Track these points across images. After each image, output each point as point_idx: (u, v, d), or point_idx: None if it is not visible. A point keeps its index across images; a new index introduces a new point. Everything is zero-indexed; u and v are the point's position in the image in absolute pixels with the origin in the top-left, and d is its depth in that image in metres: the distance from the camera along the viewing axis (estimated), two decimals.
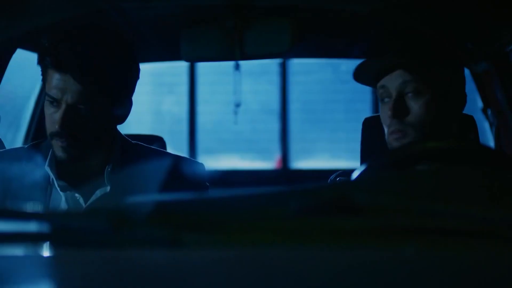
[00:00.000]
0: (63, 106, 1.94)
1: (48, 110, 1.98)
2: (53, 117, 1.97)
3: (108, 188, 2.02)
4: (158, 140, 3.10)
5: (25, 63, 2.86)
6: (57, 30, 2.05)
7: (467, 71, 3.07)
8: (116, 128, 2.12)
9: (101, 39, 1.99)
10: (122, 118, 2.08)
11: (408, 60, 2.05)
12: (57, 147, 1.98)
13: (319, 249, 1.15)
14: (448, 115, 2.03)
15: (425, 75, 2.01)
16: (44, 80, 2.00)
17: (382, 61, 2.07)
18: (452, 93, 2.03)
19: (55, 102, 1.96)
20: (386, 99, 2.06)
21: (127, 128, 2.17)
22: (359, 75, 2.12)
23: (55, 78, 1.95)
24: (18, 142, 3.31)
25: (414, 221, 1.16)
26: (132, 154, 2.10)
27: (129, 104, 2.08)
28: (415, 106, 2.01)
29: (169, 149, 3.06)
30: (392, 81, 2.05)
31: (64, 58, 1.94)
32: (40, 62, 1.99)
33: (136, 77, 2.08)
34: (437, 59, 2.05)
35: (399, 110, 2.02)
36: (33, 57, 2.83)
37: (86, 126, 1.97)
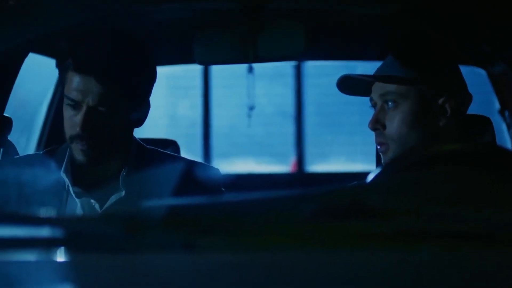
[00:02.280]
0: (84, 108, 1.95)
1: (68, 113, 1.99)
2: (73, 120, 1.98)
3: (123, 192, 2.03)
4: (172, 144, 3.10)
5: (37, 67, 2.88)
6: (71, 34, 2.07)
7: (483, 72, 3.07)
8: (132, 133, 2.13)
9: (120, 42, 2.02)
10: (141, 121, 2.09)
11: (382, 74, 2.05)
12: (77, 151, 1.99)
13: (334, 252, 1.16)
14: (439, 120, 2.01)
15: (406, 85, 2.00)
16: (63, 82, 2.01)
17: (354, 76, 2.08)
18: (441, 98, 2.00)
19: (76, 104, 1.96)
20: (374, 110, 2.06)
21: (141, 131, 2.18)
22: (342, 88, 2.14)
23: (76, 80, 1.96)
24: (31, 147, 3.33)
25: (429, 224, 1.17)
26: (147, 159, 2.11)
27: (147, 106, 2.09)
28: (395, 117, 2.01)
29: (183, 153, 3.07)
30: (376, 92, 2.06)
31: (85, 59, 1.96)
32: (59, 64, 2.01)
33: (154, 78, 2.09)
34: (422, 67, 2.03)
35: (379, 122, 2.02)
36: (45, 61, 2.85)
37: (106, 128, 1.98)
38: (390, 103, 2.01)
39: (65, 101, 1.99)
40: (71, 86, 1.97)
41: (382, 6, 2.36)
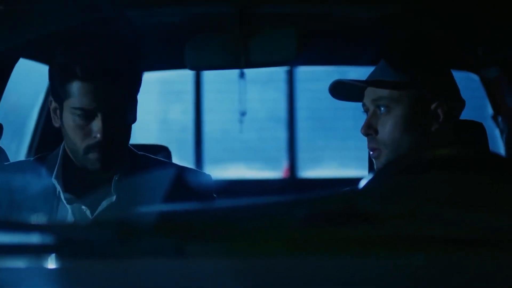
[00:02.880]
0: (100, 115, 1.94)
1: (77, 123, 1.97)
2: (86, 129, 1.96)
3: (114, 198, 2.03)
4: (163, 150, 3.10)
5: (28, 73, 2.87)
6: (63, 40, 2.07)
7: (476, 77, 3.08)
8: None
9: (115, 44, 2.02)
10: (134, 118, 2.10)
11: (375, 79, 2.05)
12: (92, 161, 1.98)
13: (327, 258, 1.16)
14: (432, 125, 2.01)
15: (398, 90, 2.00)
16: (63, 93, 1.98)
17: (349, 80, 2.08)
18: (434, 103, 2.01)
19: (88, 113, 1.95)
20: (367, 115, 2.07)
21: (132, 137, 2.18)
22: (334, 94, 2.14)
23: (85, 88, 1.94)
24: (22, 153, 3.33)
25: (424, 229, 1.17)
26: (140, 165, 2.11)
27: (137, 102, 2.11)
28: (387, 123, 2.01)
29: (175, 159, 3.07)
30: (368, 97, 2.06)
31: (93, 67, 1.93)
32: (59, 75, 1.98)
33: (142, 75, 2.11)
34: (414, 72, 2.03)
35: (371, 128, 2.02)
36: (36, 66, 2.85)
37: (121, 133, 2.00)
38: (382, 108, 2.01)
39: (72, 111, 1.96)
40: (79, 95, 1.94)
41: (374, 11, 2.37)
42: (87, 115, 1.95)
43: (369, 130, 2.03)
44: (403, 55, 2.09)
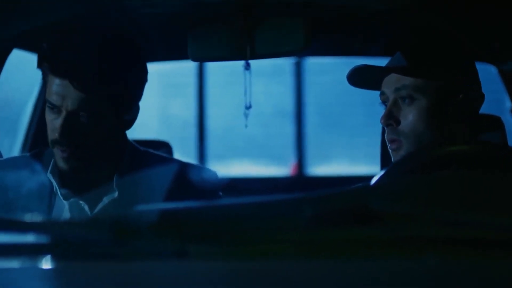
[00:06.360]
0: (63, 113, 1.96)
1: (49, 116, 2.00)
2: (53, 124, 1.98)
3: (116, 193, 2.03)
4: (164, 146, 3.11)
5: (22, 64, 2.87)
6: (56, 31, 2.07)
7: (494, 70, 3.07)
8: (125, 135, 2.13)
9: (104, 42, 2.01)
10: (128, 125, 2.10)
11: (400, 65, 2.04)
12: (58, 157, 2.00)
13: (336, 260, 1.15)
14: (454, 118, 2.01)
15: (422, 79, 2.00)
16: (44, 84, 2.02)
17: (372, 67, 2.07)
18: (459, 96, 2.00)
19: (55, 108, 1.97)
20: (384, 105, 2.05)
21: (130, 132, 2.18)
22: (353, 80, 2.13)
23: (55, 83, 1.96)
24: (16, 149, 3.33)
25: (435, 230, 1.17)
26: (143, 162, 2.11)
27: (136, 109, 2.09)
28: (409, 113, 2.00)
29: (176, 155, 3.07)
30: (389, 86, 2.05)
31: (63, 63, 1.95)
32: (40, 66, 2.01)
33: (143, 81, 2.09)
34: (440, 61, 2.02)
35: (392, 118, 2.01)
36: (31, 57, 2.84)
37: (88, 134, 1.98)
38: (405, 98, 2.00)
39: (47, 104, 2.00)
40: (51, 90, 1.97)
41: (387, 1, 2.36)
42: (55, 110, 1.98)
43: (390, 120, 2.01)
44: (428, 46, 2.08)
